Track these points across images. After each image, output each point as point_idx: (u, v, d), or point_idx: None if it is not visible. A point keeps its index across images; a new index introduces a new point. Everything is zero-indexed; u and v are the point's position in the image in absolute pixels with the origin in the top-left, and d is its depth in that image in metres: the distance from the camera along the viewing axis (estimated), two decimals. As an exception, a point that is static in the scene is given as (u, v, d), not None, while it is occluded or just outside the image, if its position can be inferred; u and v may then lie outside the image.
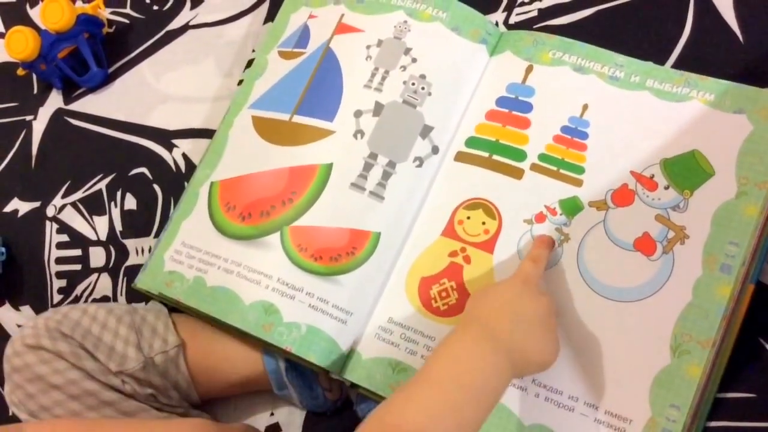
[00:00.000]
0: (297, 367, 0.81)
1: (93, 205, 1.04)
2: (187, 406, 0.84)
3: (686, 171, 0.74)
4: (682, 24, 0.85)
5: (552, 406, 0.71)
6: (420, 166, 0.82)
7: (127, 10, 1.14)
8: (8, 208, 1.08)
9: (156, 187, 1.01)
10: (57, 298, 1.01)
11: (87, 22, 1.08)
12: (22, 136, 1.12)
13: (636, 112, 0.78)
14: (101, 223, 1.03)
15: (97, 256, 1.01)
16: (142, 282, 0.87)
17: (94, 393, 0.77)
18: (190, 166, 1.00)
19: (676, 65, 0.83)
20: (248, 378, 0.84)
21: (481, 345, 0.64)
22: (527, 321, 0.66)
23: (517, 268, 0.72)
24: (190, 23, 1.10)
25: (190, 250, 0.85)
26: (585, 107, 0.80)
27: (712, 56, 0.83)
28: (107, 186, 1.04)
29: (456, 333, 0.66)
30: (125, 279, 0.99)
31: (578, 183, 0.77)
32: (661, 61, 0.83)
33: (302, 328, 0.77)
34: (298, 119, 0.86)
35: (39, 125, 1.12)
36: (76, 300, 1.00)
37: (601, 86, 0.80)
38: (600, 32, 0.87)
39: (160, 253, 0.87)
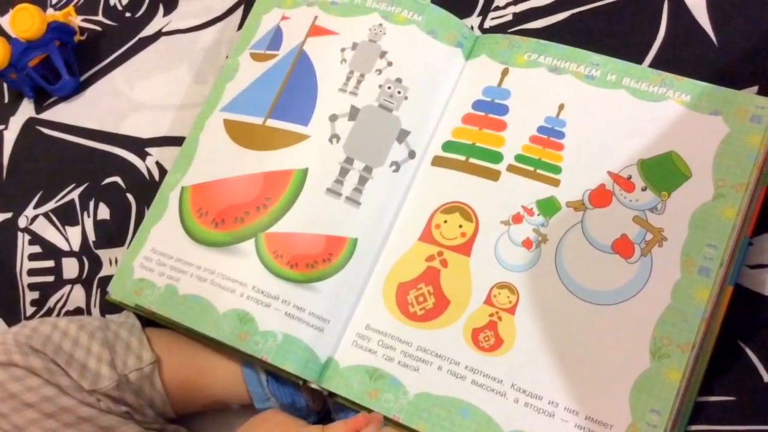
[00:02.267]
0: (279, 377, 0.80)
1: (66, 216, 1.02)
2: (163, 422, 0.83)
3: (663, 172, 0.74)
4: (656, 27, 0.85)
5: (532, 411, 0.70)
6: (397, 171, 0.81)
7: (99, 17, 1.13)
8: (-21, 220, 1.06)
9: (129, 196, 1.00)
10: (30, 310, 1.00)
11: (58, 30, 1.07)
12: (-8, 146, 1.11)
13: (612, 111, 0.78)
14: (74, 233, 1.01)
15: (70, 268, 1.00)
16: (114, 292, 0.86)
17: (70, 409, 0.74)
18: (164, 175, 0.99)
19: (652, 68, 0.83)
20: (227, 393, 0.82)
21: None
22: None
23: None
24: (163, 30, 1.09)
25: (161, 257, 0.84)
26: (561, 107, 0.79)
27: (687, 59, 0.83)
28: (80, 196, 1.03)
29: None
30: (99, 290, 0.97)
31: (555, 183, 0.77)
32: (636, 63, 0.83)
33: (278, 337, 0.76)
34: (272, 123, 0.85)
35: (10, 135, 1.10)
36: (50, 312, 0.98)
37: (578, 85, 0.80)
38: (575, 35, 0.87)
39: (128, 261, 0.86)
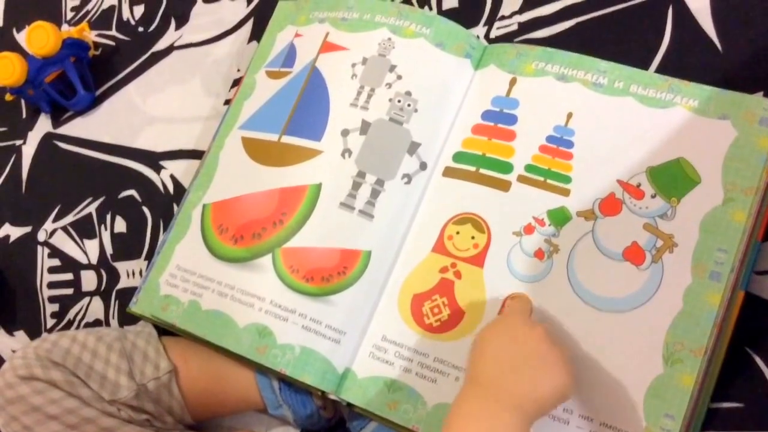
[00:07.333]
0: (291, 385, 0.81)
1: (83, 229, 1.04)
2: (182, 429, 0.84)
3: (672, 179, 0.74)
4: (660, 34, 0.85)
5: (547, 419, 0.70)
6: (408, 183, 0.82)
7: (113, 33, 1.14)
8: (0, 234, 1.07)
9: (145, 209, 1.01)
10: (50, 322, 1.01)
11: (73, 46, 1.08)
12: (11, 161, 1.12)
13: (620, 119, 0.78)
14: (92, 246, 1.03)
15: (89, 280, 1.01)
16: (137, 306, 0.87)
17: (92, 420, 0.76)
18: (179, 188, 1.00)
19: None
20: (242, 399, 0.84)
21: (490, 409, 0.63)
22: (528, 365, 0.64)
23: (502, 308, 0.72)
24: (176, 44, 1.10)
25: (184, 274, 0.85)
26: (570, 115, 0.80)
27: (692, 66, 0.83)
28: (97, 209, 1.04)
29: (463, 399, 0.65)
30: (117, 302, 0.99)
31: (566, 192, 0.77)
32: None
33: (296, 350, 0.77)
34: (287, 139, 0.86)
35: (28, 149, 1.12)
36: (69, 324, 1.00)
37: (585, 93, 0.80)
38: (580, 44, 0.87)
39: (155, 278, 0.87)
